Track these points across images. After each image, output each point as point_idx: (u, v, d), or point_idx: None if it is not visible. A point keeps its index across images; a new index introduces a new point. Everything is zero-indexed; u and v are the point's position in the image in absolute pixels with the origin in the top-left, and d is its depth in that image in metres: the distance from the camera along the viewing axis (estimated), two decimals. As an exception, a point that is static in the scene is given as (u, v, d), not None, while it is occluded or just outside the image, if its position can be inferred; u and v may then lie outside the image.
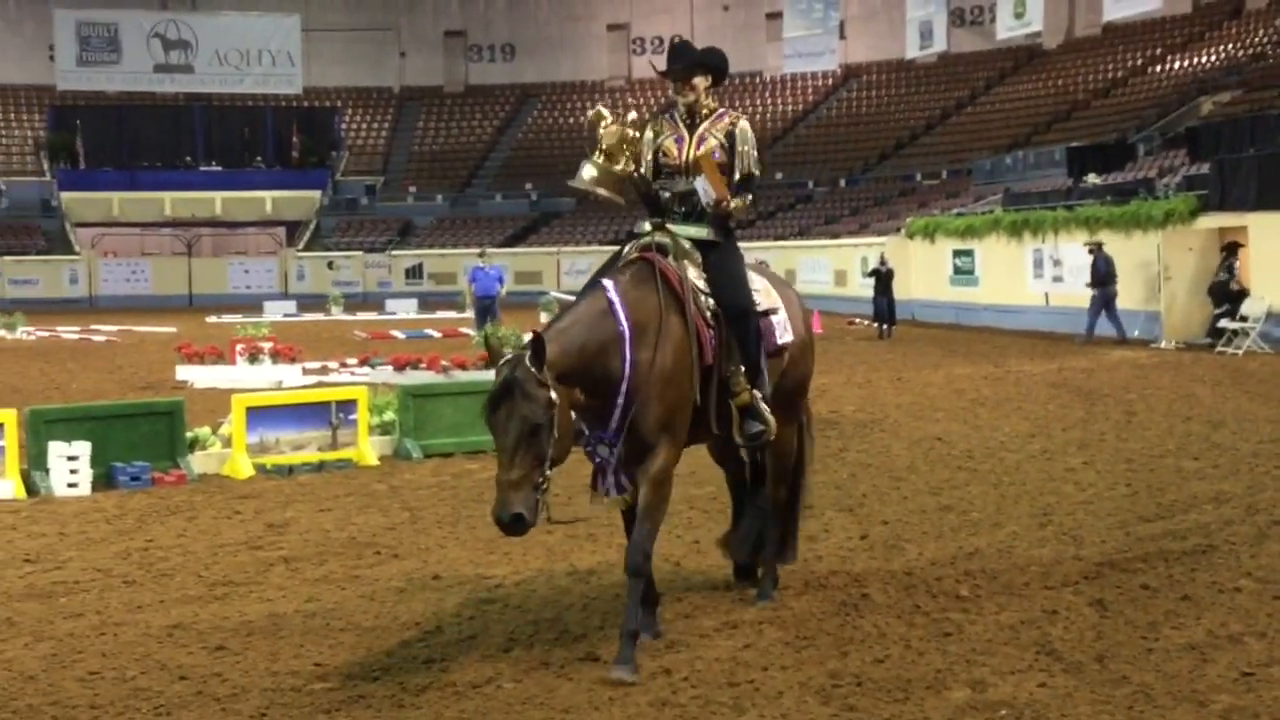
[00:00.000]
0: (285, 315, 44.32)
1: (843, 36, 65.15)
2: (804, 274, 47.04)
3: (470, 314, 31.09)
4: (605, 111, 8.15)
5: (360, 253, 60.19)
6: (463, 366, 20.77)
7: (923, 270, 39.08)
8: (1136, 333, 28.61)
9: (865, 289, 36.79)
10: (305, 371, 23.25)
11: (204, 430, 14.28)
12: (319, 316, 45.05)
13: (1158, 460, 13.52)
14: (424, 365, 21.68)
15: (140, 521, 11.52)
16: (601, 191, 8.07)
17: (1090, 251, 29.34)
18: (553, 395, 6.80)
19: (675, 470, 7.57)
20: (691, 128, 8.03)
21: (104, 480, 13.05)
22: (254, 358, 22.75)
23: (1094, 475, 12.77)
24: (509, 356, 6.93)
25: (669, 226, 7.90)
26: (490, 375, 7.03)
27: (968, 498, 11.84)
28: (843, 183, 56.90)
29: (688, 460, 8.87)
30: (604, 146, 8.00)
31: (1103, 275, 28.86)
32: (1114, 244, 29.84)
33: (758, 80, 67.53)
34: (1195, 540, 9.82)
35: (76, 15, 66.26)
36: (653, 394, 7.23)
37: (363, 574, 9.52)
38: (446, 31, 71.60)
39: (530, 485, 6.74)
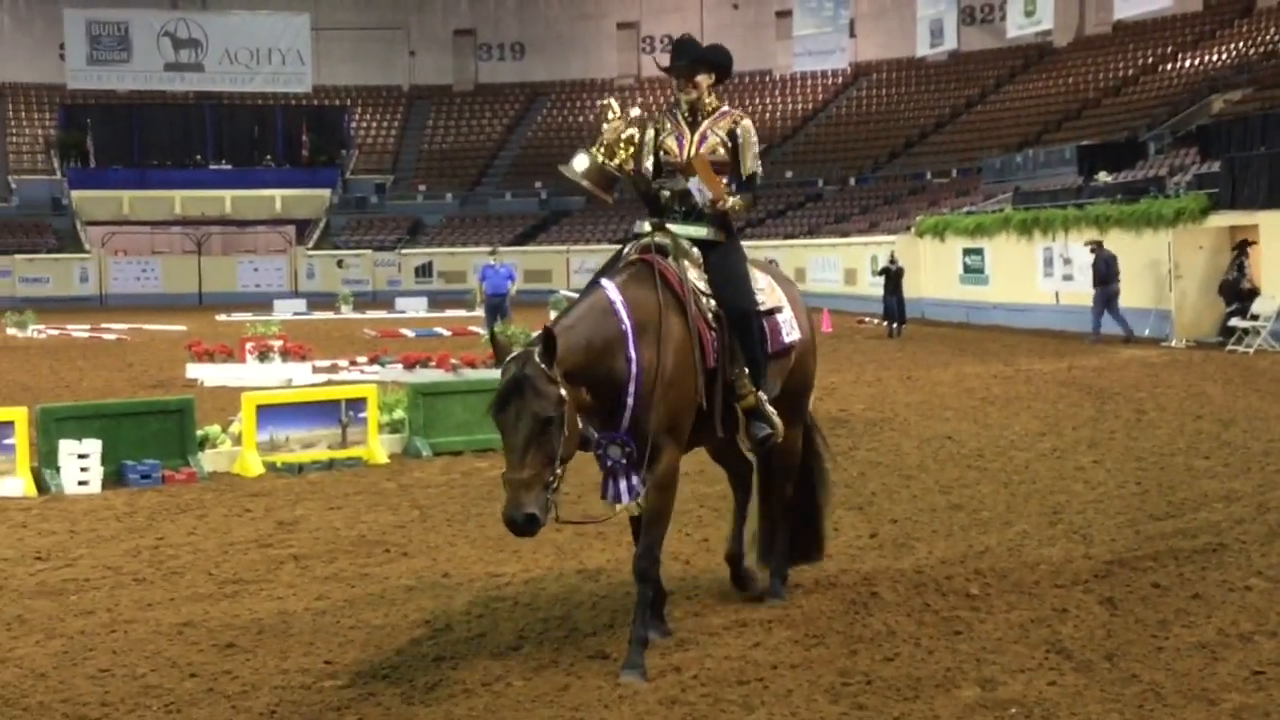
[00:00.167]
0: (295, 314, 44.38)
1: (853, 35, 65.11)
2: (814, 273, 47.03)
3: (480, 312, 31.11)
4: (615, 104, 8.04)
5: (370, 251, 60.26)
6: (472, 365, 20.79)
7: (933, 269, 39.04)
8: (1147, 331, 28.55)
9: (875, 288, 36.74)
10: (315, 370, 23.27)
11: (214, 428, 14.30)
12: (329, 315, 45.09)
13: (1168, 459, 13.50)
14: (434, 364, 21.70)
15: (150, 519, 11.54)
16: (587, 184, 7.96)
17: (1091, 250, 29.30)
18: (563, 392, 6.72)
19: (683, 469, 7.54)
20: (693, 125, 7.94)
21: (114, 478, 13.07)
22: (264, 356, 22.79)
23: (1104, 474, 12.75)
24: (516, 353, 6.82)
25: (669, 226, 7.80)
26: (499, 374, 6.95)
27: (977, 496, 11.83)
28: (853, 181, 56.85)
29: (698, 458, 8.89)
30: (605, 140, 7.89)
31: (1103, 274, 28.84)
32: (1124, 242, 29.79)
33: (767, 79, 67.50)
34: (1206, 539, 9.80)
35: (87, 14, 66.40)
36: (655, 395, 7.15)
37: (372, 572, 9.52)
38: (456, 30, 71.66)
39: (541, 484, 6.62)
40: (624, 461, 7.16)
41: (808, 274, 47.29)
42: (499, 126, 69.86)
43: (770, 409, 7.75)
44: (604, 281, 7.41)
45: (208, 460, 13.77)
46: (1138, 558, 9.24)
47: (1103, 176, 36.35)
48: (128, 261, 59.59)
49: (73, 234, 60.02)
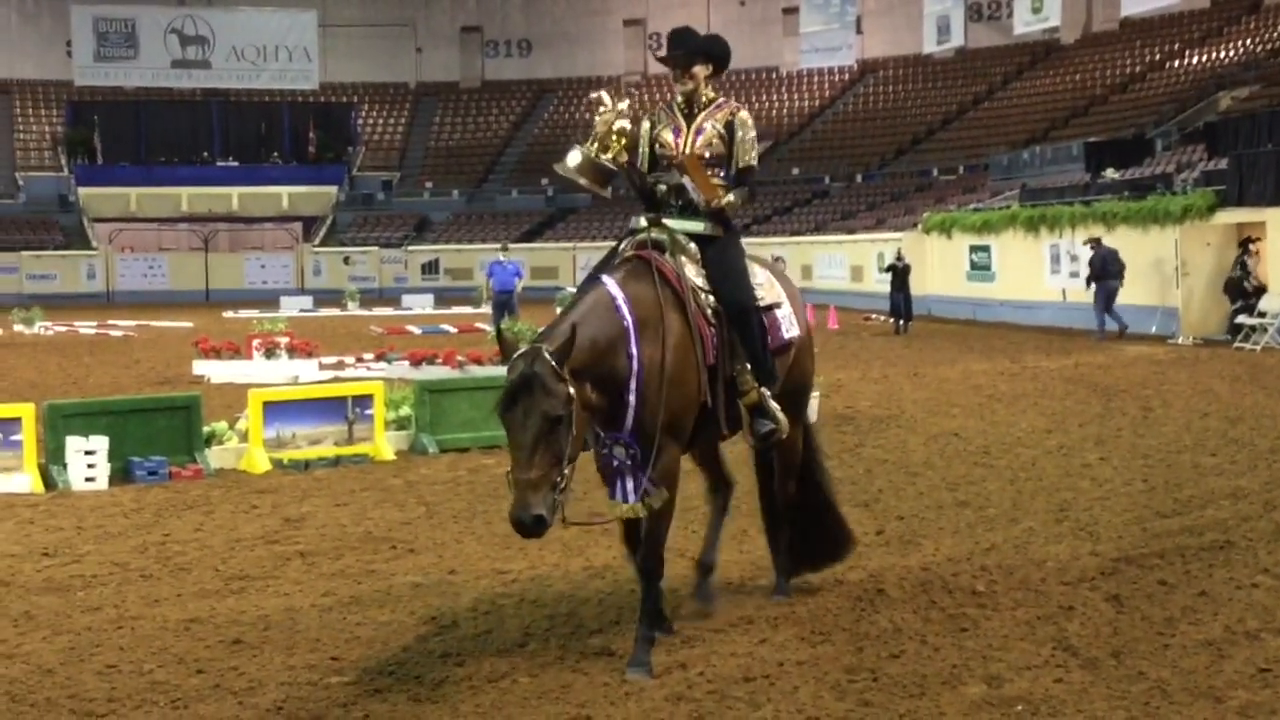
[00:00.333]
0: (301, 310, 44.35)
1: (859, 31, 65.06)
2: (820, 269, 47.01)
3: (486, 308, 31.10)
4: (606, 97, 7.88)
5: (376, 248, 60.29)
6: (479, 362, 20.80)
7: (939, 266, 39.02)
8: (1154, 328, 28.52)
9: (882, 284, 36.72)
10: (321, 366, 23.30)
11: (221, 425, 14.33)
12: (335, 312, 45.11)
13: (1175, 456, 13.48)
14: (440, 360, 21.70)
15: (157, 516, 11.56)
16: (583, 180, 7.83)
17: (1091, 247, 29.27)
18: (571, 390, 6.60)
19: (687, 466, 7.51)
20: (690, 118, 7.81)
21: (121, 474, 13.10)
22: (270, 353, 22.81)
23: (1111, 471, 12.74)
24: (523, 350, 6.68)
25: (665, 221, 7.68)
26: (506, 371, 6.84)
27: (984, 493, 11.82)
28: (859, 178, 56.81)
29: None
30: (597, 134, 7.75)
31: (1097, 270, 28.86)
32: (1131, 239, 29.77)
33: (774, 75, 67.47)
34: (1212, 536, 9.79)
35: (94, 11, 66.50)
36: (658, 394, 7.05)
37: (379, 569, 9.53)
38: (463, 27, 71.66)
39: (549, 484, 6.49)
40: (629, 462, 7.08)
41: (814, 271, 47.28)
42: (505, 123, 69.87)
43: (774, 404, 7.67)
44: (604, 278, 7.29)
45: (214, 457, 13.79)
46: (1144, 555, 9.23)
47: (1110, 173, 36.31)
48: (135, 258, 59.65)
49: (80, 231, 60.09)
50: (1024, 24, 58.16)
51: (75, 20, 66.09)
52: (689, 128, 7.78)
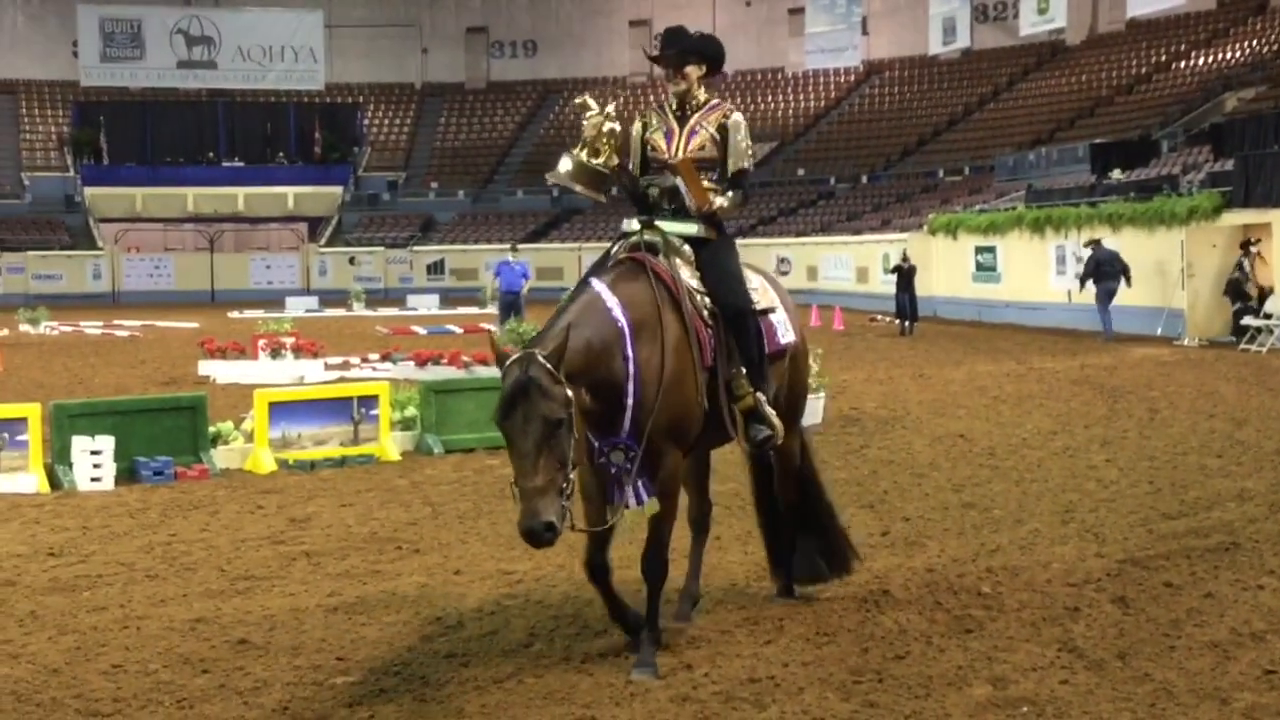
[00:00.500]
0: (307, 311, 44.41)
1: (865, 32, 65.02)
2: (826, 270, 46.98)
3: (492, 309, 31.08)
4: (591, 101, 7.75)
5: (382, 248, 60.34)
6: (484, 362, 20.77)
7: (945, 267, 39.00)
8: (1159, 330, 28.50)
9: (887, 285, 36.70)
10: (327, 367, 23.33)
11: (226, 425, 14.34)
12: (340, 312, 45.16)
13: (1181, 457, 13.47)
14: (445, 361, 21.71)
15: (163, 516, 11.57)
16: (578, 187, 7.72)
17: (1092, 249, 29.23)
18: (569, 392, 6.44)
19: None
20: (682, 120, 7.68)
21: (127, 474, 13.11)
22: (276, 353, 22.83)
23: (1117, 472, 12.73)
24: (517, 355, 6.53)
25: (658, 224, 7.54)
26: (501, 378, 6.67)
27: (990, 494, 11.82)
28: (865, 179, 56.79)
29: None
30: (586, 138, 7.63)
31: (1090, 271, 28.87)
32: (1137, 241, 29.76)
33: (780, 76, 67.44)
34: (1218, 538, 9.78)
35: (100, 11, 66.57)
36: (656, 397, 6.90)
37: (384, 569, 9.54)
38: (468, 28, 71.68)
39: (556, 490, 6.32)
40: (628, 466, 6.95)
41: (820, 272, 47.27)
42: (511, 124, 69.89)
43: (769, 410, 7.54)
44: (594, 280, 7.14)
45: (220, 457, 13.80)
46: (1150, 557, 9.23)
47: (1116, 175, 36.30)
48: (140, 258, 59.75)
49: (86, 231, 60.16)
50: (1030, 25, 58.12)
51: (81, 20, 66.15)
52: (681, 130, 7.66)
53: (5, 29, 66.90)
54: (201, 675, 7.19)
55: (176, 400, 14.62)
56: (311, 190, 63.97)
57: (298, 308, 44.05)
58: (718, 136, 7.65)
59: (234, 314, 43.73)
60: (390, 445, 14.47)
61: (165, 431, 13.53)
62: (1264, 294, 26.57)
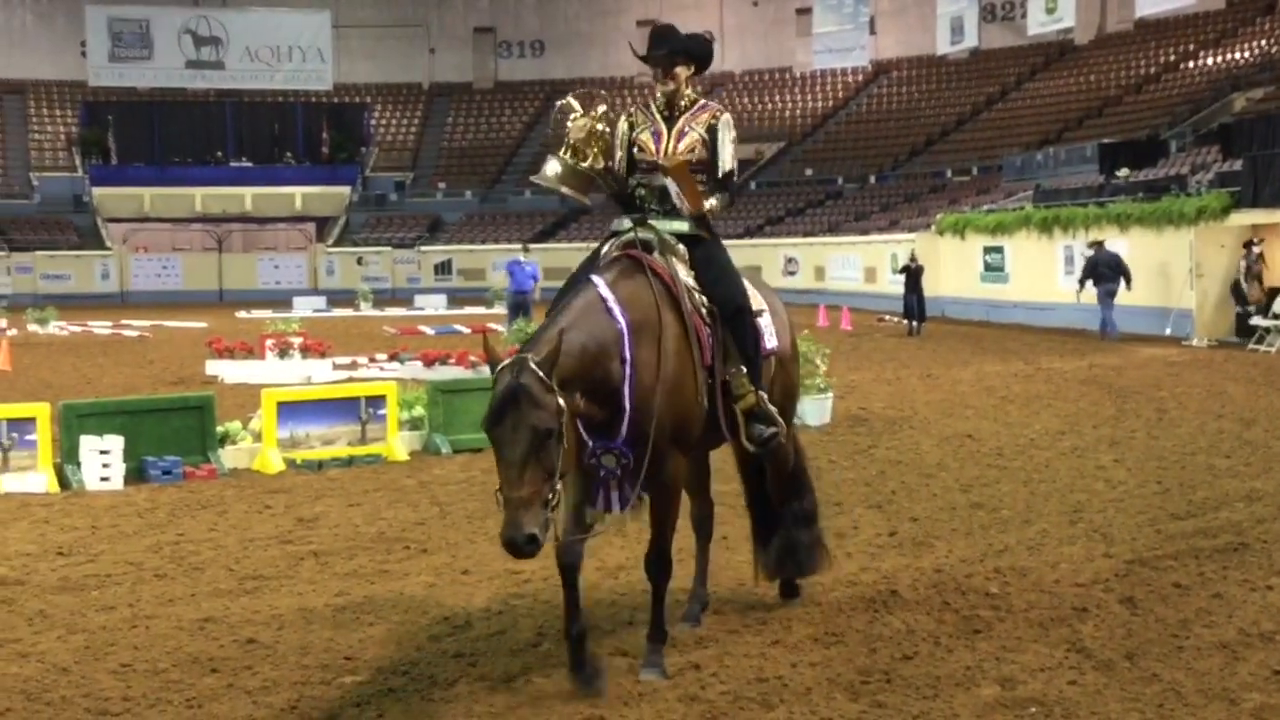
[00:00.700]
0: (315, 311, 44.44)
1: (873, 32, 64.97)
2: (834, 270, 46.96)
3: (500, 309, 31.10)
4: (575, 103, 7.63)
5: (389, 248, 60.38)
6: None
7: (953, 267, 38.96)
8: (1168, 330, 28.47)
9: (895, 285, 36.69)
10: (335, 367, 23.36)
11: (234, 425, 14.36)
12: (348, 312, 45.18)
13: (1189, 458, 13.46)
14: (453, 361, 21.74)
15: (171, 515, 11.59)
16: (565, 190, 7.65)
17: (1094, 250, 29.20)
18: (561, 401, 6.25)
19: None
20: (670, 120, 7.56)
21: (135, 474, 13.13)
22: (284, 353, 22.86)
23: (1125, 473, 12.71)
24: (509, 361, 6.38)
25: (651, 222, 7.40)
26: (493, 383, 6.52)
27: (998, 495, 11.81)
28: (873, 179, 56.77)
29: (712, 457, 8.85)
30: (570, 141, 7.52)
31: (1089, 271, 28.84)
32: (1146, 241, 29.71)
33: (787, 76, 67.42)
34: (1226, 538, 9.77)
35: (108, 11, 66.67)
36: (655, 399, 6.73)
37: (392, 568, 9.55)
38: (476, 28, 71.72)
39: (541, 502, 6.12)
40: (617, 471, 6.80)
41: (828, 272, 47.25)
42: (518, 124, 69.89)
43: (771, 408, 7.44)
44: (594, 278, 6.96)
45: (228, 457, 13.82)
46: (1158, 557, 9.22)
47: (1124, 174, 36.25)
48: (148, 258, 59.83)
49: (94, 231, 60.25)
50: (1038, 24, 58.07)
51: (90, 21, 66.27)
52: (670, 131, 7.55)
53: (14, 29, 67.06)
54: (210, 674, 7.20)
55: (185, 400, 14.64)
56: (319, 190, 64.04)
57: (305, 308, 44.08)
58: (707, 137, 7.54)
59: (242, 314, 43.77)
60: (398, 445, 14.48)
61: (173, 431, 13.56)
62: (1271, 294, 26.53)
